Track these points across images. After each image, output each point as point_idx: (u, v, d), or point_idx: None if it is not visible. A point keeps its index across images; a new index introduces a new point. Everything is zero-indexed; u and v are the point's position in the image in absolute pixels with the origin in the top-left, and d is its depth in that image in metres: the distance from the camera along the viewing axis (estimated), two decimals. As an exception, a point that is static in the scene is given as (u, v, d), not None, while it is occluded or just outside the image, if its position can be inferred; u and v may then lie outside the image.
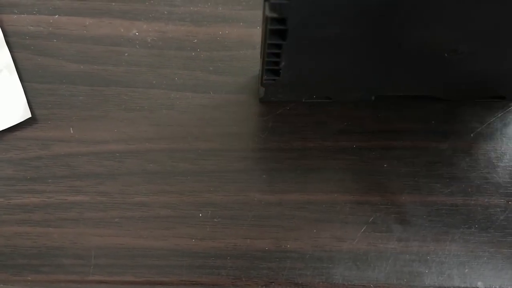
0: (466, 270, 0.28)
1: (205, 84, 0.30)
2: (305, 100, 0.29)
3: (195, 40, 0.31)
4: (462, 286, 0.28)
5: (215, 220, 0.28)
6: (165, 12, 0.32)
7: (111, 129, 0.29)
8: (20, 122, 0.29)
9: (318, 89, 0.28)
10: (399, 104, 0.30)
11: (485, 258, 0.28)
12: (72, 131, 0.29)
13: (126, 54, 0.31)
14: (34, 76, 0.30)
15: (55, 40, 0.31)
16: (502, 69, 0.25)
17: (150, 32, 0.31)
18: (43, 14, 0.31)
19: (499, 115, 0.30)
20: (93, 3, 0.32)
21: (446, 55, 0.23)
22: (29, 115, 0.29)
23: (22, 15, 0.31)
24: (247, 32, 0.31)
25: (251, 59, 0.30)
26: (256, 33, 0.31)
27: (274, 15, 0.18)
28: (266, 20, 0.19)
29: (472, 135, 0.30)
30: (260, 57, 0.24)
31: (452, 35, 0.21)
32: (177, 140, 0.29)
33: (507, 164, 0.29)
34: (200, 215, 0.29)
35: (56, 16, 0.31)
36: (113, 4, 0.32)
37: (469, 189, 0.29)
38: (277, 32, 0.20)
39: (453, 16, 0.20)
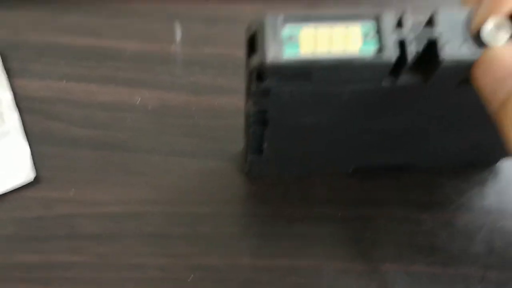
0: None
1: (202, 150, 0.32)
2: (287, 175, 0.31)
3: (194, 108, 0.33)
4: None
5: (206, 282, 0.30)
6: (167, 81, 0.34)
7: (112, 192, 0.31)
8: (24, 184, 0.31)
9: (299, 164, 0.30)
10: (381, 174, 0.31)
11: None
12: (73, 193, 0.31)
13: (129, 120, 0.33)
14: (41, 139, 0.32)
15: (62, 105, 0.33)
16: (475, 140, 0.27)
17: (152, 100, 0.33)
18: (53, 80, 0.34)
19: (479, 187, 0.32)
20: (101, 71, 0.34)
21: (418, 135, 0.25)
22: (33, 176, 0.31)
23: (33, 81, 0.33)
24: (242, 102, 0.33)
25: (246, 129, 0.32)
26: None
27: (255, 108, 0.20)
28: (248, 112, 0.21)
29: (452, 206, 0.31)
30: (244, 138, 0.26)
31: (420, 120, 0.23)
32: (173, 204, 0.31)
33: (485, 235, 0.31)
34: (192, 275, 0.30)
35: (65, 82, 0.33)
36: (119, 72, 0.34)
37: (449, 259, 0.30)
38: (258, 121, 0.22)
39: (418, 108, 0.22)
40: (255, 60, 0.16)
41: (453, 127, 0.23)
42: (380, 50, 0.16)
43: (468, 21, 0.16)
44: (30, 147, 0.32)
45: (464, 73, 0.17)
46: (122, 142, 0.32)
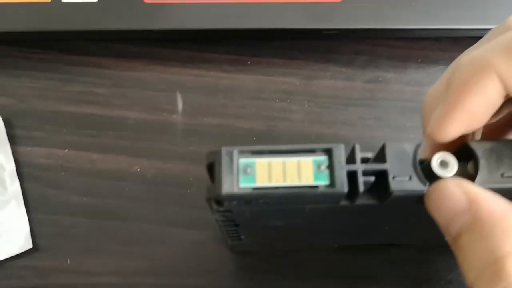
0: None
1: (197, 221, 0.32)
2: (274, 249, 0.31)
3: (191, 178, 0.33)
4: None
5: None
6: (166, 150, 0.34)
7: (106, 262, 0.31)
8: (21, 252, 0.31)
9: (282, 244, 0.30)
10: (372, 249, 0.31)
11: None
12: (69, 262, 0.31)
13: (126, 189, 0.33)
14: (40, 206, 0.33)
15: (63, 173, 0.34)
16: None
17: (150, 169, 0.34)
18: (54, 148, 0.34)
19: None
20: (101, 140, 0.35)
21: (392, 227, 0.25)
22: (30, 246, 0.31)
23: (35, 148, 0.34)
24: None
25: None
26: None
27: (221, 218, 0.21)
28: (215, 220, 0.21)
29: (442, 282, 0.31)
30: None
31: (389, 221, 0.23)
32: (166, 274, 0.31)
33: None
34: None
35: (66, 150, 0.34)
36: (120, 141, 0.35)
37: None
38: (228, 225, 0.22)
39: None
40: (211, 191, 0.17)
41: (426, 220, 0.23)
42: (332, 182, 0.16)
43: (416, 154, 0.17)
44: (29, 214, 0.32)
45: (416, 199, 0.17)
46: (119, 211, 0.33)
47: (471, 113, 0.17)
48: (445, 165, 0.17)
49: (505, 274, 0.15)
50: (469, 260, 0.16)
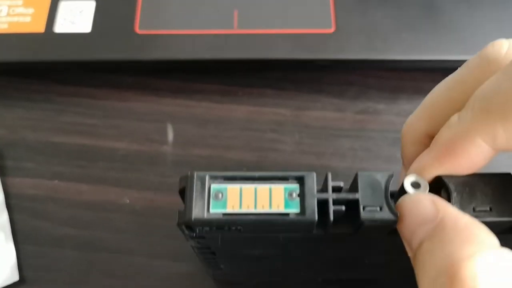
0: None
1: (184, 253, 0.32)
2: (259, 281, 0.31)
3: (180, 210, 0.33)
4: None
5: None
6: (156, 182, 0.34)
7: (92, 295, 0.31)
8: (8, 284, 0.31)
9: (262, 275, 0.30)
10: (359, 282, 0.31)
11: None
12: (55, 296, 0.31)
13: (115, 221, 0.33)
14: (28, 238, 0.32)
15: (51, 204, 0.33)
16: None
17: (140, 200, 0.34)
18: (44, 178, 0.34)
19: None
20: (92, 170, 0.35)
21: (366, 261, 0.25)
22: (17, 278, 0.31)
23: (25, 179, 0.34)
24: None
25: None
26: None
27: (196, 245, 0.21)
28: (191, 246, 0.21)
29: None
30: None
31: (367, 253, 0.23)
32: (154, 309, 0.31)
33: None
34: None
35: (56, 181, 0.34)
36: (110, 172, 0.34)
37: None
38: (205, 253, 0.22)
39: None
40: (181, 216, 0.17)
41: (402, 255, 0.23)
42: (302, 210, 0.16)
43: (388, 184, 0.17)
44: (16, 246, 0.32)
45: (389, 229, 0.17)
46: (107, 243, 0.32)
47: (452, 171, 0.17)
48: (417, 186, 0.17)
49: (458, 280, 0.14)
50: (426, 268, 0.16)
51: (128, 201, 0.33)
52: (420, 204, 0.16)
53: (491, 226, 0.17)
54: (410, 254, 0.17)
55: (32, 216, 0.33)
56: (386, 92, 0.36)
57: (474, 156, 0.17)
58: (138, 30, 0.37)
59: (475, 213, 0.17)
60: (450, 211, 0.16)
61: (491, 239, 0.16)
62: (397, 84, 0.36)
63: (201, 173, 0.17)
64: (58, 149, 0.35)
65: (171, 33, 0.37)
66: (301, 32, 0.36)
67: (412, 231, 0.17)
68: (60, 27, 0.38)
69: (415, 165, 0.18)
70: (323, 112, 0.36)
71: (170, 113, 0.36)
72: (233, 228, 0.17)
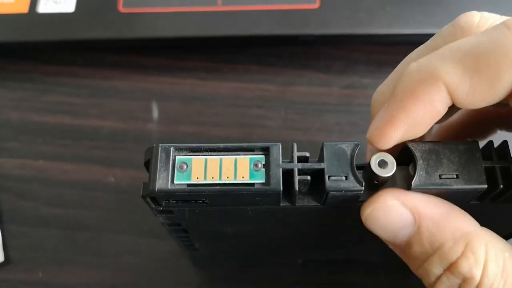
0: None
1: (171, 231, 0.32)
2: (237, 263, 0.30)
3: (166, 188, 0.33)
4: None
5: None
6: (141, 160, 0.34)
7: (78, 274, 0.31)
8: (-7, 264, 0.31)
9: (241, 258, 0.30)
10: (346, 263, 0.30)
11: None
12: (40, 275, 0.31)
13: (100, 200, 0.33)
14: (12, 218, 0.32)
15: (36, 184, 0.33)
16: None
17: (125, 179, 0.33)
18: (29, 158, 0.34)
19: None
20: (77, 149, 0.34)
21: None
22: (2, 259, 0.31)
23: (10, 159, 0.34)
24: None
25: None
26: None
27: (166, 221, 0.20)
28: (162, 222, 0.21)
29: None
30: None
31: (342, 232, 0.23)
32: (138, 286, 0.31)
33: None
34: None
35: (41, 161, 0.34)
36: (95, 150, 0.34)
37: None
38: (177, 230, 0.22)
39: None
40: (146, 188, 0.17)
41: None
42: (268, 180, 0.16)
43: (353, 154, 0.17)
44: (1, 226, 0.32)
45: (356, 200, 0.17)
46: (92, 222, 0.32)
47: (414, 123, 0.17)
48: (384, 165, 0.17)
49: (458, 272, 0.16)
50: (427, 269, 0.17)
51: (113, 179, 0.33)
52: (394, 213, 0.17)
53: (459, 194, 0.17)
54: (395, 249, 0.18)
55: (17, 196, 0.33)
56: (372, 66, 0.36)
57: (437, 102, 0.16)
58: (121, 8, 0.37)
59: (441, 180, 0.16)
60: (423, 210, 0.16)
61: (470, 223, 0.16)
62: (383, 58, 0.36)
63: (166, 145, 0.17)
64: (42, 128, 0.35)
65: (155, 11, 0.37)
66: (286, 8, 0.36)
67: (393, 235, 0.17)
68: (43, 7, 0.37)
69: (376, 122, 0.17)
70: (309, 87, 0.35)
71: (155, 90, 0.36)
72: (199, 200, 0.17)
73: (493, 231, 0.17)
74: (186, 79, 0.36)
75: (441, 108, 0.16)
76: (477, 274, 0.16)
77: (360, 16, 0.35)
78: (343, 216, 0.19)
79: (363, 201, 0.17)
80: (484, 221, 0.17)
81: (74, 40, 0.37)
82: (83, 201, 0.33)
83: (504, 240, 0.17)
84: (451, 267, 0.16)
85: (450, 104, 0.16)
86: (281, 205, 0.18)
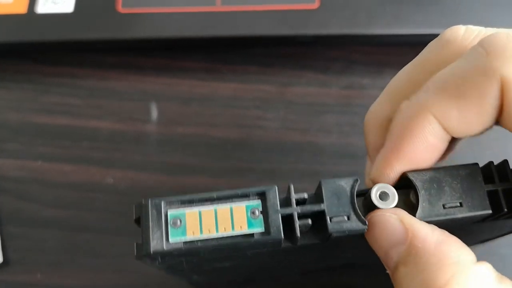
0: None
1: (170, 232, 0.32)
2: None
3: (165, 188, 0.33)
4: None
5: None
6: (140, 161, 0.34)
7: (77, 275, 0.31)
8: (-8, 265, 0.31)
9: (242, 278, 0.29)
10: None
11: None
12: (39, 276, 0.31)
13: (99, 201, 0.33)
14: (11, 219, 0.32)
15: (35, 185, 0.33)
16: None
17: (124, 180, 0.33)
18: (28, 160, 0.34)
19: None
20: (75, 151, 0.34)
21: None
22: (1, 260, 0.31)
23: (9, 160, 0.34)
24: (213, 182, 0.33)
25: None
26: (222, 183, 0.33)
27: (163, 268, 0.19)
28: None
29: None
30: None
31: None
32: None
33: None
34: None
35: (40, 162, 0.34)
36: (94, 152, 0.34)
37: None
38: (174, 272, 0.21)
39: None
40: (139, 250, 0.16)
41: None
42: (267, 229, 0.15)
43: (353, 190, 0.16)
44: (0, 228, 0.32)
45: (359, 237, 0.17)
46: (91, 223, 0.32)
47: (412, 159, 0.17)
48: (385, 197, 0.16)
49: None
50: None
51: (112, 181, 0.33)
52: (388, 225, 0.16)
53: (463, 221, 0.16)
54: (388, 271, 0.17)
55: (16, 198, 0.33)
56: (371, 67, 0.35)
57: (429, 135, 0.16)
58: (120, 8, 0.37)
59: (445, 210, 0.16)
60: (418, 231, 0.16)
61: (465, 256, 0.15)
62: (382, 58, 0.36)
63: (156, 199, 0.16)
64: (41, 129, 0.35)
65: (154, 11, 0.36)
66: (285, 9, 0.36)
67: (385, 253, 0.16)
68: (42, 7, 0.37)
69: (376, 164, 0.17)
70: (308, 88, 0.35)
71: (154, 91, 0.36)
72: (197, 255, 0.16)
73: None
74: (184, 79, 0.36)
75: (435, 141, 0.16)
76: None
77: (360, 16, 0.35)
78: (346, 246, 0.19)
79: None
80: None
81: (72, 40, 0.37)
82: (82, 202, 0.33)
83: (503, 278, 0.15)
84: None
85: (446, 137, 0.16)
86: (282, 246, 0.17)
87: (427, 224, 0.16)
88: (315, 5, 0.36)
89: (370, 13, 0.35)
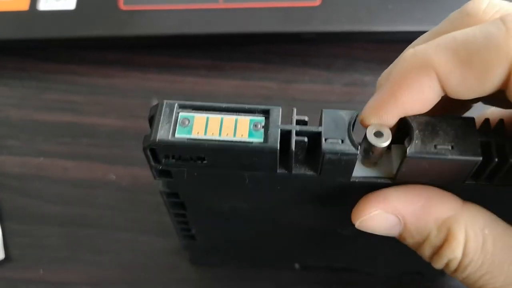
0: None
1: (170, 228, 0.32)
2: (234, 263, 0.30)
3: (167, 185, 0.33)
4: None
5: None
6: (141, 158, 0.34)
7: (78, 271, 0.31)
8: (-6, 262, 0.31)
9: (238, 255, 0.29)
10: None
11: None
12: (41, 272, 0.31)
13: (101, 197, 0.33)
14: (12, 216, 0.32)
15: (37, 182, 0.33)
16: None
17: (126, 177, 0.33)
18: (29, 156, 0.34)
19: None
20: (77, 147, 0.34)
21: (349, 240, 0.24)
22: (2, 256, 0.31)
23: (10, 157, 0.34)
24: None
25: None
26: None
27: (165, 189, 0.21)
28: (161, 193, 0.21)
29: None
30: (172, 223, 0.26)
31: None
32: (138, 284, 0.31)
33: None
34: None
35: (41, 159, 0.34)
36: (95, 148, 0.34)
37: None
38: (175, 204, 0.22)
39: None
40: (147, 139, 0.17)
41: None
42: (265, 140, 0.16)
43: (351, 120, 0.17)
44: (2, 224, 0.32)
45: (351, 166, 0.17)
46: (93, 219, 0.32)
47: (404, 107, 0.17)
48: (380, 135, 0.17)
49: (443, 255, 0.18)
50: (421, 254, 0.19)
51: (114, 177, 0.33)
52: (378, 221, 0.18)
53: (453, 167, 0.17)
54: (413, 247, 0.19)
55: (18, 194, 0.33)
56: (373, 64, 0.35)
57: (426, 89, 0.16)
58: (122, 6, 0.37)
59: (436, 150, 0.16)
60: (406, 212, 0.18)
61: (449, 209, 0.18)
62: (384, 55, 0.36)
63: (171, 101, 0.17)
64: (42, 126, 0.35)
65: (156, 9, 0.36)
66: (287, 6, 0.36)
67: (387, 234, 0.18)
68: (44, 4, 0.37)
69: (365, 109, 0.18)
70: (310, 84, 0.35)
71: (155, 88, 0.36)
72: (198, 161, 0.18)
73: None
74: (186, 77, 0.36)
75: (431, 95, 0.17)
76: (458, 255, 0.17)
77: (361, 13, 0.35)
78: (340, 200, 0.19)
79: (356, 181, 0.18)
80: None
81: (74, 37, 0.37)
82: (84, 199, 0.33)
83: (488, 213, 0.18)
84: (437, 252, 0.18)
85: (441, 93, 0.17)
86: (278, 171, 0.18)
87: (405, 192, 0.18)
88: (317, 2, 0.36)
89: (372, 10, 0.35)
